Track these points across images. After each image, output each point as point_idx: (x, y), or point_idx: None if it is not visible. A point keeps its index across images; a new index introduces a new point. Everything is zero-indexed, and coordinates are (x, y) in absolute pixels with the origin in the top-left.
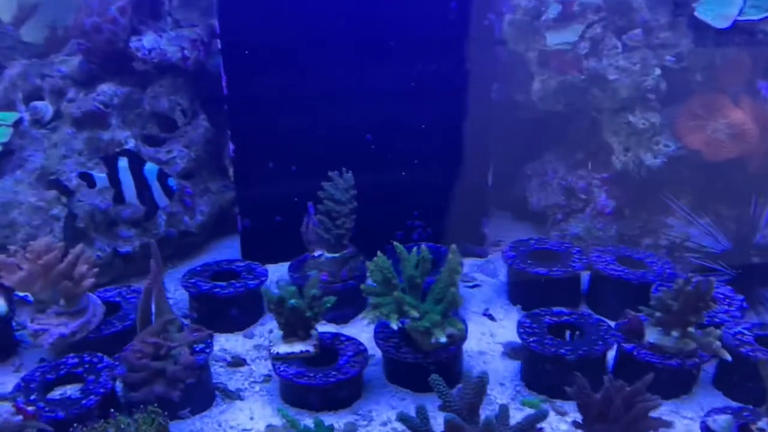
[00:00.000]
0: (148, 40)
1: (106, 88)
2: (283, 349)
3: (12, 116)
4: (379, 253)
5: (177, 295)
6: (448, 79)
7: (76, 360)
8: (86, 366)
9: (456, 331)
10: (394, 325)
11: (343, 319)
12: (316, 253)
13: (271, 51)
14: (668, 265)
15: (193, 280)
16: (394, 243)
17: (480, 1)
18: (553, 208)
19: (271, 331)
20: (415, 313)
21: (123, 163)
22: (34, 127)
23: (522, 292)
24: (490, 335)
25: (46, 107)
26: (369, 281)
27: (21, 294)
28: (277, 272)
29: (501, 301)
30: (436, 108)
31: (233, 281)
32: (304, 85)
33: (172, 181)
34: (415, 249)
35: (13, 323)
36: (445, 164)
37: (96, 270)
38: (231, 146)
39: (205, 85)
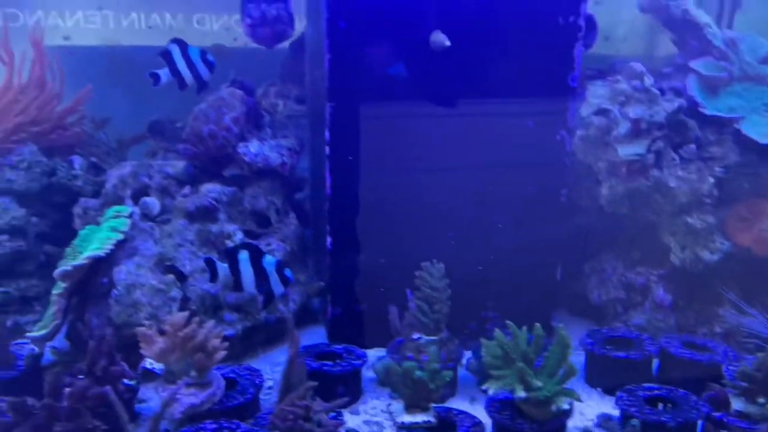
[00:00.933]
0: (254, 146)
1: (211, 187)
2: (407, 419)
3: (126, 210)
4: (496, 330)
5: (276, 376)
6: (525, 186)
7: (215, 425)
8: (225, 431)
9: (572, 400)
10: (522, 393)
11: (441, 398)
12: (414, 336)
13: (373, 164)
14: (728, 348)
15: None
16: (508, 322)
17: (555, 120)
18: (613, 302)
19: (374, 408)
20: (538, 383)
21: (244, 255)
22: (143, 220)
23: (601, 375)
24: (580, 413)
25: (154, 203)
26: (469, 359)
27: (148, 366)
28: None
29: (579, 385)
30: (513, 210)
31: (338, 361)
32: (395, 192)
33: (289, 272)
34: (524, 328)
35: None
36: (519, 260)
37: (226, 344)
38: (329, 239)
39: (293, 188)
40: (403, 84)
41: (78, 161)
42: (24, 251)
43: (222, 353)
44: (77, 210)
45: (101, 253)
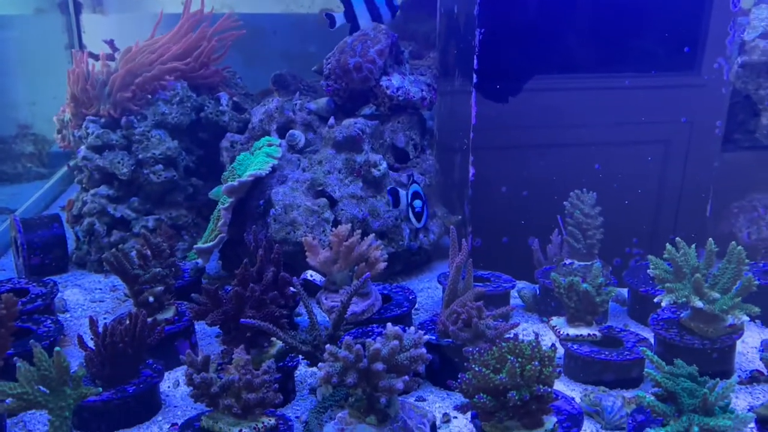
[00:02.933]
0: (396, 80)
1: (355, 120)
2: (572, 331)
3: (277, 140)
4: (667, 245)
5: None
6: (677, 118)
7: (380, 329)
8: None
9: (750, 314)
10: (700, 304)
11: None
12: (566, 261)
13: (518, 86)
14: None
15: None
16: (676, 239)
17: (712, 47)
18: (765, 241)
19: (524, 330)
20: (716, 294)
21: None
22: (290, 152)
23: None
24: (741, 341)
25: (300, 135)
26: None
27: (309, 277)
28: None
29: None
30: (664, 141)
31: (487, 283)
32: (540, 122)
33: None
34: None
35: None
36: (667, 195)
37: (386, 256)
38: (471, 171)
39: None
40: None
41: (224, 98)
42: (176, 182)
43: (383, 264)
44: (224, 143)
45: (263, 172)
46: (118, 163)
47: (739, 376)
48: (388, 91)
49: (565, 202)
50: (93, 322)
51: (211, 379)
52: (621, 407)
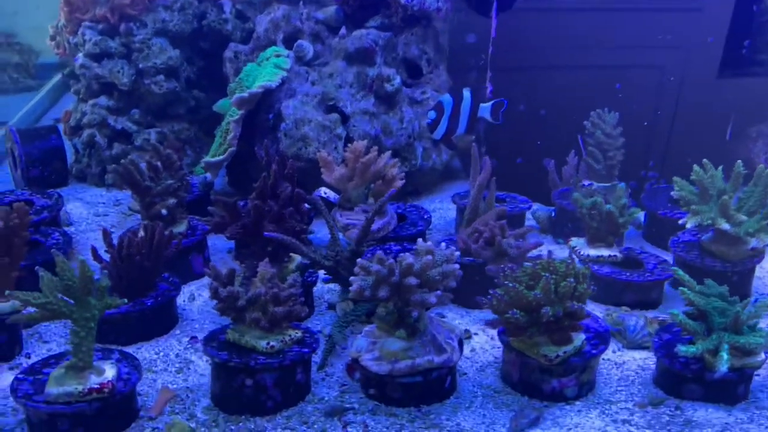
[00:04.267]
0: None
1: (367, 31)
2: (592, 252)
3: (285, 51)
4: (695, 166)
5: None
6: (703, 37)
7: (398, 247)
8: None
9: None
10: (726, 226)
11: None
12: (585, 183)
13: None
14: None
15: (465, 201)
16: (704, 160)
17: None
18: None
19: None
20: (742, 216)
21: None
22: (297, 64)
23: None
24: (759, 267)
25: (309, 46)
26: None
27: (323, 194)
28: None
29: None
30: (686, 59)
31: (503, 204)
32: (561, 41)
33: None
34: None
35: None
36: (685, 118)
37: (403, 174)
38: (489, 88)
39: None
40: None
41: (227, 5)
42: (177, 93)
43: (400, 182)
44: (228, 54)
45: (273, 83)
46: (118, 72)
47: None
48: (402, 0)
49: (585, 122)
50: (107, 234)
51: (238, 293)
52: (643, 326)
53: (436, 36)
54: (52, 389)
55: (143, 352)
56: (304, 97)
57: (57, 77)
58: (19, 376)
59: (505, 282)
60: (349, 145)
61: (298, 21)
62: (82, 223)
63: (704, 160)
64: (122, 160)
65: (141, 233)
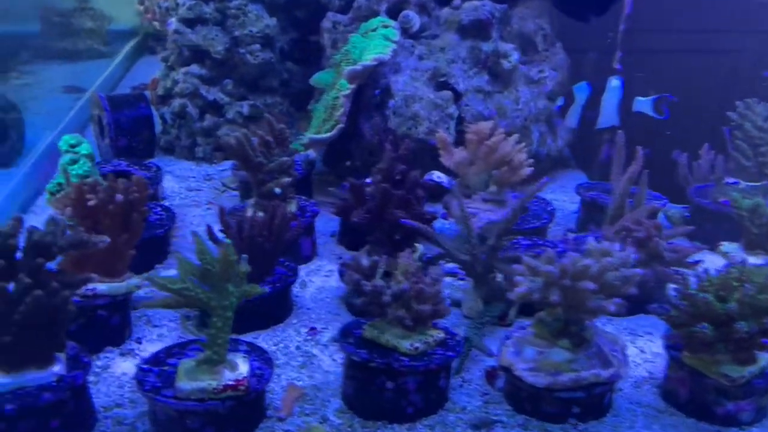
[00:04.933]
0: None
1: (481, 2)
2: (752, 259)
3: (391, 21)
4: None
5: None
6: None
7: (529, 242)
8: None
9: None
10: None
11: None
12: (729, 180)
13: None
14: None
15: (593, 193)
16: None
17: None
18: None
19: None
20: None
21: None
22: (402, 36)
23: None
24: None
25: (415, 17)
26: None
27: (435, 179)
28: None
29: None
30: None
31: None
32: (700, 23)
33: None
34: None
35: None
36: None
37: (532, 161)
38: (618, 67)
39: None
40: None
41: None
42: (272, 64)
43: (528, 170)
44: (326, 24)
45: (385, 56)
46: (213, 39)
47: None
48: None
49: (730, 113)
50: (223, 212)
51: (383, 288)
52: None
53: (551, 10)
54: (184, 384)
55: (260, 342)
56: (413, 73)
57: (131, 43)
58: (143, 366)
59: (691, 291)
60: (467, 125)
61: None
62: (176, 197)
63: None
64: (235, 133)
65: (249, 213)
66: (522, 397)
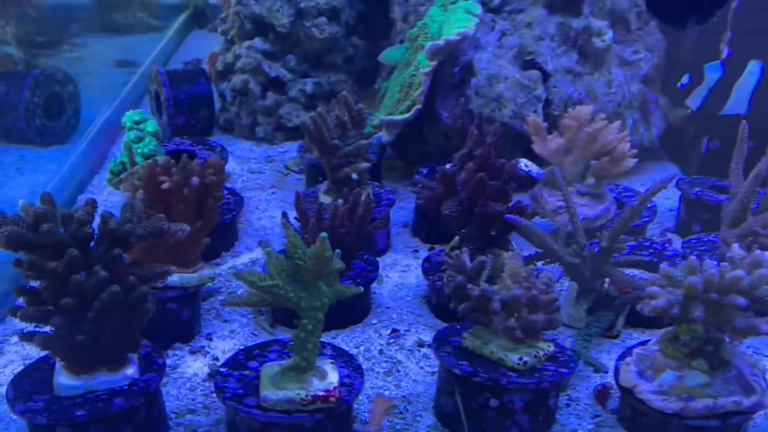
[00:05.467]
0: None
1: None
2: None
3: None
4: None
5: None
6: None
7: (634, 244)
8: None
9: None
10: None
11: None
12: None
13: None
14: None
15: (697, 189)
16: None
17: None
18: None
19: None
20: None
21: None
22: (483, 10)
23: None
24: None
25: None
26: None
27: (524, 168)
28: None
29: None
30: None
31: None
32: None
33: None
34: None
35: None
36: None
37: (635, 152)
38: (727, 50)
39: None
40: None
41: None
42: (338, 39)
43: (632, 161)
44: None
45: (469, 30)
46: (277, 11)
47: None
48: None
49: None
50: (300, 199)
51: (492, 294)
52: None
53: None
54: (270, 393)
55: (340, 343)
56: (496, 50)
57: (182, 17)
58: (222, 370)
59: None
60: (569, 110)
61: None
62: (238, 180)
63: None
64: (313, 112)
65: (323, 199)
66: (643, 422)
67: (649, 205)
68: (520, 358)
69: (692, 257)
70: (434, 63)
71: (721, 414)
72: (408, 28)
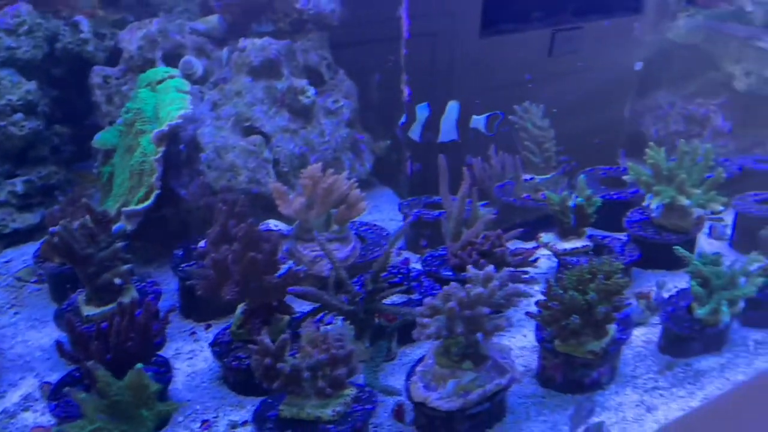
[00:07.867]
0: None
1: (264, 41)
2: (567, 245)
3: (174, 71)
4: (649, 150)
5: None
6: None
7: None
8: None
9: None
10: (687, 201)
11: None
12: (526, 177)
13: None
14: None
15: (416, 210)
16: (651, 144)
17: None
18: (673, 135)
19: None
20: (697, 191)
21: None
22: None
23: None
24: None
25: (197, 63)
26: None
27: (273, 227)
28: None
29: None
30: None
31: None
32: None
33: None
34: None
35: None
36: (594, 99)
37: (365, 195)
38: (407, 90)
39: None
40: None
41: (85, 23)
42: (40, 132)
43: (364, 204)
44: (96, 80)
45: (188, 111)
46: None
47: None
48: (297, 4)
49: (511, 117)
50: (72, 323)
51: (300, 366)
52: (638, 305)
53: (331, 39)
54: None
55: None
56: (215, 121)
57: None
58: None
59: (559, 291)
60: (302, 171)
61: (177, 35)
62: None
63: (650, 143)
64: (55, 227)
65: (97, 312)
66: (437, 425)
67: (384, 234)
68: (334, 410)
69: (453, 286)
70: (163, 148)
71: (490, 396)
72: (114, 109)
